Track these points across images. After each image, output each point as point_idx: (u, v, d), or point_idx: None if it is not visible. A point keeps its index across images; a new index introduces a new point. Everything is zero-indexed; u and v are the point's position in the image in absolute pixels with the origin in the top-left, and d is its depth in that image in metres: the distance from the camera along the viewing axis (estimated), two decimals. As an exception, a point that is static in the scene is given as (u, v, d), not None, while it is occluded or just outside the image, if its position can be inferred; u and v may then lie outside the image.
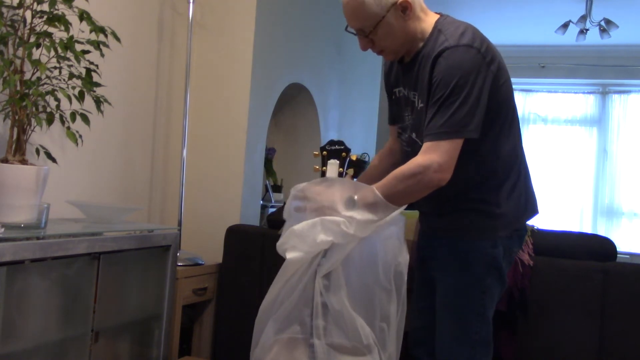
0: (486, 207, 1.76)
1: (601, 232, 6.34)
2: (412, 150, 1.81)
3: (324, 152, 1.94)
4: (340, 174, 1.89)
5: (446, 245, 1.81)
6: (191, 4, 2.96)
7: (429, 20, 1.75)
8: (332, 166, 1.89)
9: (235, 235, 2.89)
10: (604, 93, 6.63)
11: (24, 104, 1.89)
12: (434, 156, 1.62)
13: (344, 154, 1.93)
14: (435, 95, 1.65)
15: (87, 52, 2.05)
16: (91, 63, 2.08)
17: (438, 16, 1.77)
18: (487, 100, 1.67)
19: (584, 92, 6.70)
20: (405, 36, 1.73)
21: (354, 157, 1.94)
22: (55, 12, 1.97)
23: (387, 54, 1.80)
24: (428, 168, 1.62)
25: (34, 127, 1.99)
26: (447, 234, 1.81)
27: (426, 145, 1.65)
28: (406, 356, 2.04)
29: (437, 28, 1.73)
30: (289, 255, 1.65)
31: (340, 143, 1.96)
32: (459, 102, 1.62)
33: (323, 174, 1.89)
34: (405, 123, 1.86)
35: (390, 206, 1.66)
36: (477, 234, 1.77)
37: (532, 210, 1.87)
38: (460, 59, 1.63)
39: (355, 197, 1.66)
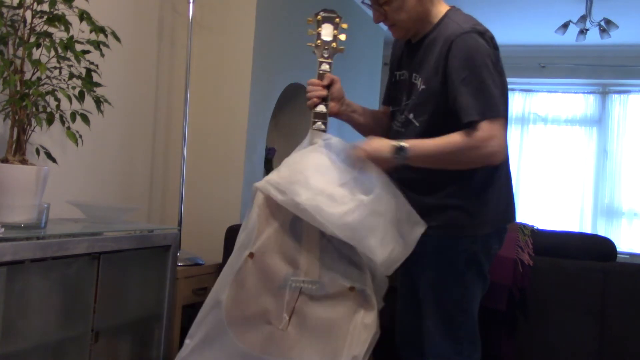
0: (465, 205, 1.79)
1: (601, 232, 6.33)
2: (405, 130, 1.85)
3: (318, 17, 1.98)
4: (335, 37, 1.94)
5: (426, 242, 1.82)
6: (191, 4, 2.96)
7: (441, 8, 1.82)
8: (327, 29, 1.95)
9: (235, 235, 2.88)
10: (604, 93, 6.62)
11: (24, 104, 1.89)
12: (502, 144, 1.70)
13: (337, 19, 1.97)
14: (459, 76, 1.69)
15: (87, 52, 2.05)
16: (91, 63, 2.08)
17: (450, 7, 1.83)
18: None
19: (584, 92, 6.69)
20: (417, 14, 1.79)
21: (344, 25, 1.97)
22: (55, 12, 1.97)
23: (397, 28, 1.84)
24: (495, 155, 1.70)
25: (34, 127, 1.99)
26: (426, 230, 1.82)
27: (482, 125, 1.68)
28: (395, 357, 2.04)
29: (448, 16, 1.79)
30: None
31: (333, 11, 1.99)
32: (490, 82, 1.68)
33: (318, 35, 1.94)
34: (400, 106, 1.90)
35: (434, 163, 1.75)
36: (456, 230, 1.80)
37: (511, 216, 1.90)
38: (476, 43, 1.70)
39: (406, 144, 1.72)
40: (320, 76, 1.90)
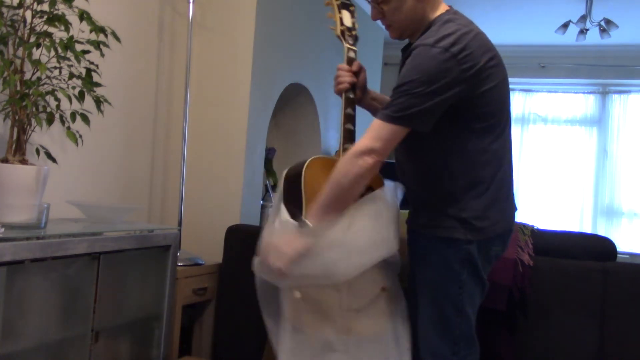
0: (461, 212, 1.77)
1: (601, 232, 6.33)
2: None
3: (337, 1, 1.97)
4: (354, 24, 1.95)
5: (423, 241, 1.84)
6: (191, 4, 2.96)
7: (437, 12, 1.80)
8: (346, 15, 1.96)
9: (235, 235, 2.89)
10: (604, 93, 6.62)
11: (24, 104, 1.89)
12: (370, 142, 1.70)
13: (352, 7, 1.98)
14: (397, 82, 1.72)
15: (87, 52, 2.05)
16: (91, 63, 2.08)
17: (446, 10, 1.81)
18: (463, 104, 1.71)
19: (584, 92, 6.69)
20: (414, 16, 1.78)
21: (356, 14, 1.99)
22: (55, 12, 1.97)
23: (393, 29, 1.84)
24: (363, 153, 1.70)
25: (34, 127, 1.99)
26: (424, 230, 1.84)
27: (371, 126, 1.73)
28: None
29: (435, 23, 1.77)
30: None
31: None
32: (412, 94, 1.66)
33: (341, 21, 1.94)
34: None
35: (342, 203, 1.77)
36: (452, 232, 1.79)
37: (507, 224, 1.88)
38: (429, 58, 1.66)
39: (307, 221, 1.76)
40: (349, 62, 1.91)
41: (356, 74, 1.92)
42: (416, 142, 1.78)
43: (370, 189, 1.92)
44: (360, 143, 1.72)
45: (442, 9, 1.81)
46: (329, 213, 1.77)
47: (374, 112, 2.04)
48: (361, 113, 2.03)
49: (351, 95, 1.89)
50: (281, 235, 1.78)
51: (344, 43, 1.93)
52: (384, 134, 1.70)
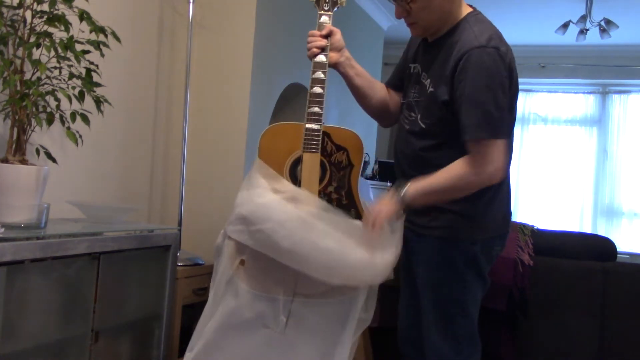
0: (465, 210, 1.78)
1: (601, 232, 6.33)
2: (410, 129, 1.86)
3: None
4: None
5: (427, 242, 1.84)
6: (191, 4, 2.96)
7: (462, 10, 1.80)
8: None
9: (235, 235, 2.89)
10: (604, 93, 6.63)
11: (24, 104, 1.89)
12: (491, 168, 1.69)
13: None
14: (463, 92, 1.69)
15: (87, 52, 2.05)
16: (91, 63, 2.08)
17: (471, 9, 1.82)
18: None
19: (584, 92, 6.70)
20: (440, 13, 1.77)
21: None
22: (55, 12, 1.97)
23: (417, 27, 1.83)
24: (490, 177, 1.70)
25: (34, 127, 1.99)
26: (427, 231, 1.83)
27: (477, 149, 1.69)
28: (395, 354, 2.05)
29: (467, 20, 1.77)
30: None
31: None
32: (491, 102, 1.67)
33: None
34: (410, 100, 1.89)
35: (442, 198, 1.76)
36: (456, 232, 1.80)
37: (506, 224, 1.90)
38: (492, 61, 1.68)
39: (406, 188, 1.74)
40: (320, 27, 1.93)
41: (327, 37, 1.92)
42: (429, 146, 1.78)
43: (341, 148, 1.92)
44: (477, 172, 1.69)
45: (466, 8, 1.82)
46: (428, 198, 1.76)
47: (350, 83, 2.01)
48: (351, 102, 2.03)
49: (323, 59, 1.89)
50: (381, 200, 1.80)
51: (318, 9, 1.94)
52: (496, 150, 1.69)
